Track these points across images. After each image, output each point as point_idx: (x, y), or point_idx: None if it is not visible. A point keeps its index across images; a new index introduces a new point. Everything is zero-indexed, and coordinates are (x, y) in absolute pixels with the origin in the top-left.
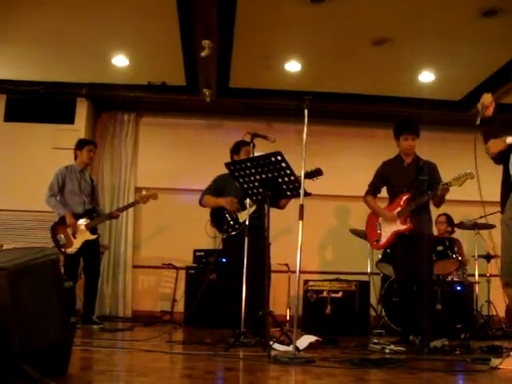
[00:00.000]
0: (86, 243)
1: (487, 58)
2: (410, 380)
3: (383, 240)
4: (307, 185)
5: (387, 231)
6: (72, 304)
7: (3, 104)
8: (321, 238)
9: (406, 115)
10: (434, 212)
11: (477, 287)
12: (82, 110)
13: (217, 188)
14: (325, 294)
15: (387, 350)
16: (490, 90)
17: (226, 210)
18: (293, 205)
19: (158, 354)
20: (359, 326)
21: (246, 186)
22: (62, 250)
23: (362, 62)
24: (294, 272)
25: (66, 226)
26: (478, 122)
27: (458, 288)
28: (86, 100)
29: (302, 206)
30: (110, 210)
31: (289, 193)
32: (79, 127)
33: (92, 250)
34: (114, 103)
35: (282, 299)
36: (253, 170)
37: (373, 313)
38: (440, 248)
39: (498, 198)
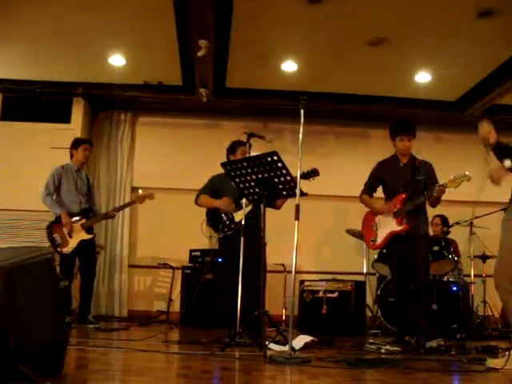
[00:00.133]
0: (82, 243)
1: (483, 59)
2: (405, 380)
3: (379, 240)
4: (303, 185)
5: (383, 231)
6: (67, 303)
7: None
8: (317, 238)
9: (403, 115)
10: (430, 213)
11: (472, 287)
12: (78, 110)
13: (213, 188)
14: (321, 294)
15: (383, 350)
16: (486, 90)
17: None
18: (289, 205)
19: (154, 353)
20: (355, 326)
21: (242, 185)
22: (58, 249)
23: (359, 62)
24: (290, 272)
25: (62, 225)
26: (489, 152)
27: (454, 288)
28: (83, 99)
29: (297, 206)
30: (106, 209)
31: (285, 193)
32: (75, 126)
33: (88, 250)
34: (110, 103)
35: (278, 299)
36: (249, 170)
37: (369, 313)
38: (436, 248)
39: (494, 198)
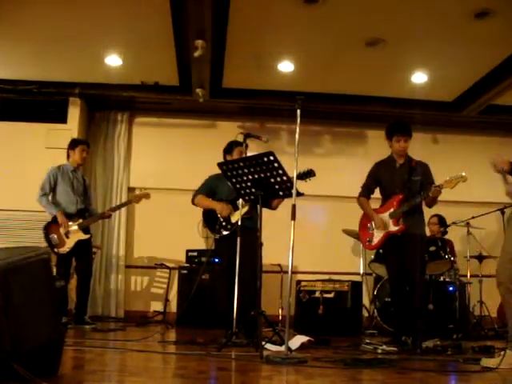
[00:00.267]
0: (79, 243)
1: (480, 59)
2: (402, 380)
3: (375, 240)
4: (299, 185)
5: (379, 232)
6: (64, 304)
7: None
8: (313, 238)
9: (399, 116)
10: (427, 213)
11: (469, 287)
12: (74, 110)
13: (210, 188)
14: (317, 294)
15: (379, 351)
16: (483, 90)
17: None
18: (285, 205)
19: (151, 353)
20: (351, 327)
21: (238, 185)
22: (55, 249)
23: (355, 62)
24: (287, 272)
25: (59, 225)
26: (505, 175)
27: (450, 288)
28: (79, 99)
29: (294, 206)
30: (102, 209)
31: (281, 193)
32: (72, 127)
33: (84, 250)
34: (107, 103)
35: (275, 299)
36: (245, 170)
37: (365, 313)
38: (432, 248)
39: (492, 199)
